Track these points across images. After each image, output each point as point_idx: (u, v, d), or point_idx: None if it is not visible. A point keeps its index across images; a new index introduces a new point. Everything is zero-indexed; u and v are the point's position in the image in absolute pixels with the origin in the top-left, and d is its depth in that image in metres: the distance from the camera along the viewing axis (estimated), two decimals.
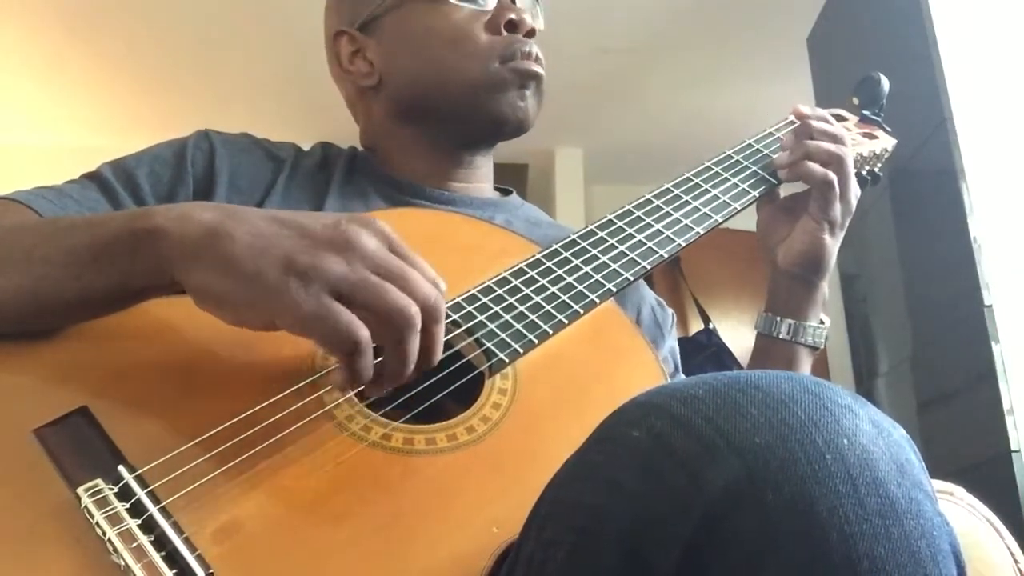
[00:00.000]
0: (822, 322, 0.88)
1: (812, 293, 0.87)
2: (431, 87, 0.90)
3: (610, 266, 0.73)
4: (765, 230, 0.89)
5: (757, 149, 0.89)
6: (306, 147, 0.97)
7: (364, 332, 0.51)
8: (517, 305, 0.68)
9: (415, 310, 0.53)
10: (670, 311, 1.01)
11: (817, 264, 0.85)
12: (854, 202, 0.85)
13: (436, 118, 0.92)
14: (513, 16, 0.90)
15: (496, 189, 1.02)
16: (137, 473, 0.49)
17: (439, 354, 0.56)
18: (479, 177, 0.98)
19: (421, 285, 0.54)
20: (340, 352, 0.52)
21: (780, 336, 0.87)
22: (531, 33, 0.91)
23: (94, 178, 0.82)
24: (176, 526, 0.47)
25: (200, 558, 0.46)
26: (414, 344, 0.53)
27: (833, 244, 0.85)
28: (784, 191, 0.90)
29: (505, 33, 0.90)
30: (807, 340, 0.87)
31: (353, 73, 0.94)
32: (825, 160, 0.83)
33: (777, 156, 0.87)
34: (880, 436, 0.42)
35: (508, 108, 0.90)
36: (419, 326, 0.53)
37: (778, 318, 0.87)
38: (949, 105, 1.79)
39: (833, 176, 0.82)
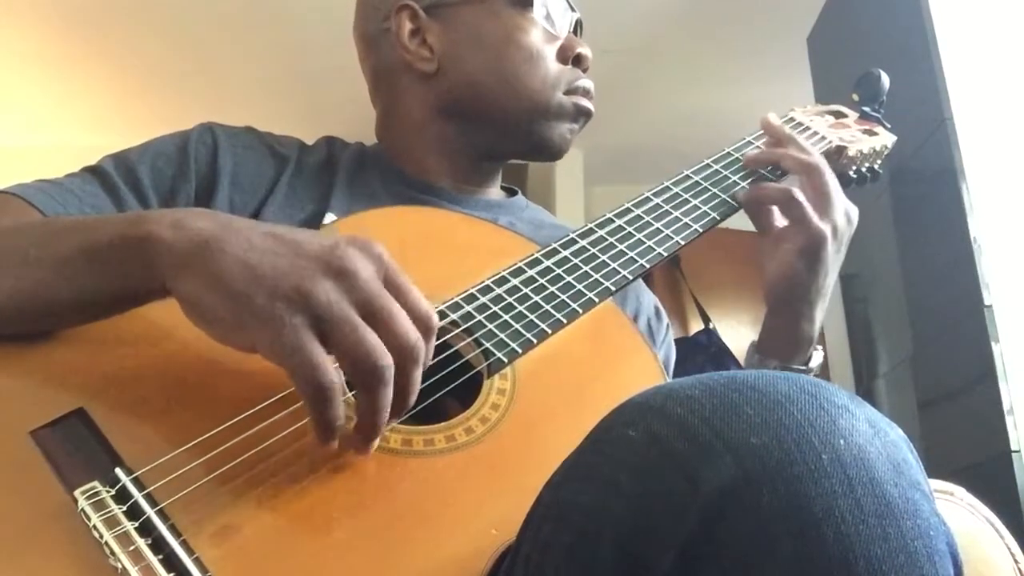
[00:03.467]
0: (808, 367, 0.82)
1: (790, 330, 0.80)
2: (493, 94, 0.90)
3: (609, 265, 0.73)
4: (762, 268, 0.83)
5: (756, 147, 0.88)
6: (309, 143, 0.96)
7: (331, 378, 0.49)
8: (516, 305, 0.68)
9: (387, 362, 0.50)
10: (665, 321, 1.00)
11: (788, 291, 0.79)
12: (833, 221, 0.78)
13: (482, 123, 0.92)
14: (582, 51, 0.92)
15: (502, 188, 1.02)
16: (134, 475, 0.49)
17: (413, 399, 0.53)
18: (490, 182, 0.98)
19: (403, 326, 0.51)
20: (305, 395, 0.50)
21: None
22: (586, 70, 0.93)
23: (96, 172, 0.81)
24: (174, 529, 0.47)
25: (198, 561, 0.46)
26: (385, 396, 0.51)
27: (806, 271, 0.78)
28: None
29: (570, 65, 0.91)
30: None
31: (412, 52, 0.92)
32: (794, 170, 0.81)
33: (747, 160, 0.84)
34: (877, 436, 0.42)
35: (558, 137, 0.92)
36: (389, 379, 0.50)
37: (759, 355, 0.83)
38: (949, 105, 1.79)
39: (792, 191, 0.78)
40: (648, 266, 0.75)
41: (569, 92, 0.91)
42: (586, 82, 0.92)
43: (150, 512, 0.47)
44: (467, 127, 0.92)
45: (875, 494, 0.39)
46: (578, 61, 0.92)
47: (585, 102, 0.92)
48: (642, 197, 0.81)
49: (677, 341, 1.04)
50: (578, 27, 0.97)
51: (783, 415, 0.41)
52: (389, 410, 0.51)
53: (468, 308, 0.66)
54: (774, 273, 0.80)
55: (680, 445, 0.41)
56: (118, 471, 0.49)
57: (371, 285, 0.52)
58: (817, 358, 0.84)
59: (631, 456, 0.43)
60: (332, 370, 0.49)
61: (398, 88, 0.95)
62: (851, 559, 0.38)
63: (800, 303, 0.80)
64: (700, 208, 0.80)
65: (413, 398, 0.54)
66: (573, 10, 0.95)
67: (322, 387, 0.49)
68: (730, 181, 0.84)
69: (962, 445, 1.73)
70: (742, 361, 0.90)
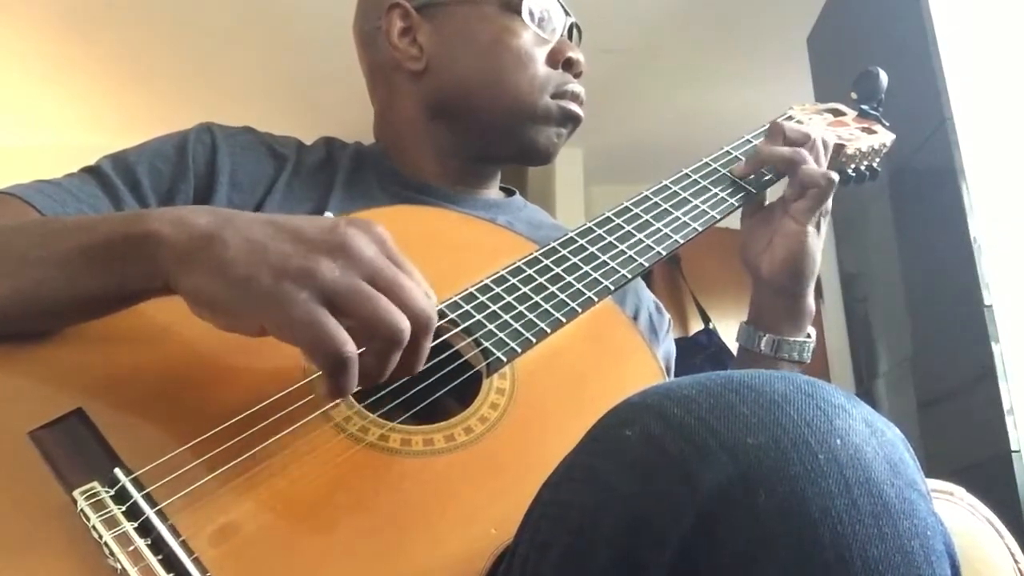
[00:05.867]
0: (808, 336, 0.86)
1: (796, 306, 0.84)
2: (479, 95, 0.90)
3: (608, 264, 0.73)
4: (747, 242, 0.87)
5: (755, 145, 0.88)
6: (308, 143, 0.97)
7: (350, 347, 0.49)
8: (515, 304, 0.67)
9: (405, 325, 0.51)
10: (667, 315, 1.01)
11: (800, 270, 0.82)
12: (829, 203, 0.83)
13: (470, 125, 0.92)
14: (573, 55, 0.92)
15: (500, 189, 1.02)
16: (133, 476, 0.49)
17: (421, 365, 0.55)
18: (486, 183, 0.98)
19: (414, 296, 0.52)
20: (325, 365, 0.50)
21: (761, 351, 0.84)
22: (580, 74, 0.93)
23: (94, 173, 0.81)
24: (173, 529, 0.47)
25: (197, 561, 0.46)
26: (396, 357, 0.52)
27: (816, 245, 0.82)
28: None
29: (560, 69, 0.91)
30: (791, 355, 0.84)
31: (401, 51, 0.92)
32: (806, 159, 0.81)
33: (764, 152, 0.84)
34: (873, 436, 0.42)
35: (544, 141, 0.91)
36: (406, 341, 0.51)
37: (760, 332, 0.85)
38: (949, 105, 1.79)
39: (836, 176, 0.80)
40: (647, 265, 0.74)
41: (557, 96, 0.90)
42: (575, 86, 0.92)
43: (149, 512, 0.47)
44: (456, 128, 0.92)
45: (872, 494, 0.39)
46: (569, 65, 0.92)
47: (573, 106, 0.91)
48: (641, 196, 0.81)
49: (677, 341, 1.04)
50: (573, 32, 0.97)
51: (780, 415, 0.41)
52: (391, 371, 0.53)
53: (467, 307, 0.66)
54: (789, 247, 0.81)
55: (677, 445, 0.41)
56: (117, 471, 0.49)
57: (376, 260, 0.52)
58: (813, 332, 0.87)
59: (628, 456, 0.43)
60: (350, 338, 0.50)
61: (391, 87, 0.95)
62: (848, 559, 0.38)
63: (807, 276, 0.83)
64: (699, 207, 0.80)
65: (419, 367, 0.54)
66: (568, 14, 0.95)
67: (343, 356, 0.49)
68: (729, 179, 0.84)
69: (962, 445, 1.73)
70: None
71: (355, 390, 0.53)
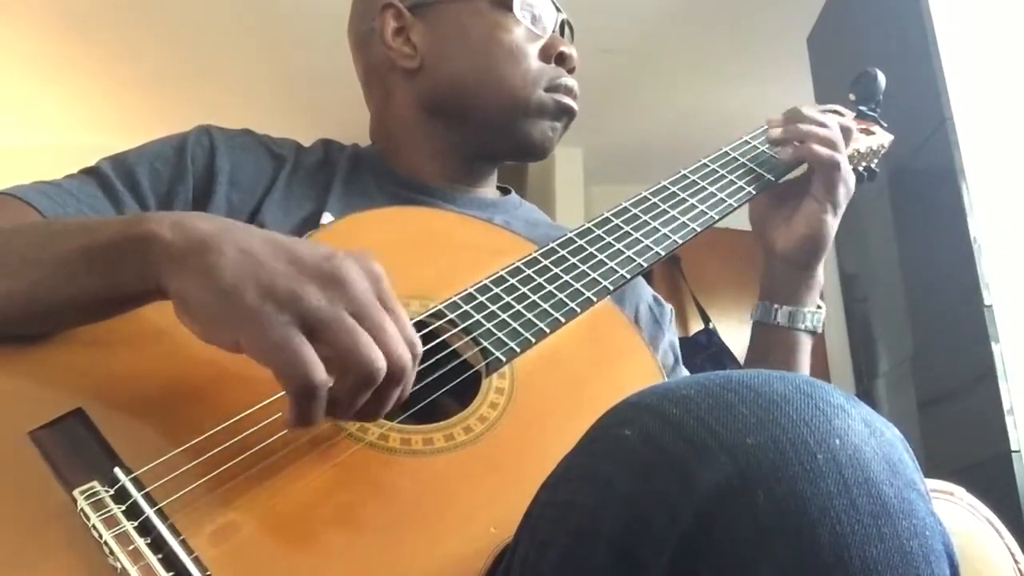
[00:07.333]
0: (819, 307, 0.89)
1: (810, 278, 0.88)
2: (474, 91, 0.90)
3: (607, 264, 0.73)
4: (761, 219, 0.90)
5: (754, 146, 0.89)
6: (306, 145, 0.97)
7: (320, 376, 0.49)
8: (514, 304, 0.68)
9: (382, 364, 0.50)
10: (668, 306, 1.02)
11: (817, 246, 0.86)
12: (852, 182, 0.87)
13: (465, 122, 0.92)
14: (565, 50, 0.93)
15: (496, 188, 1.02)
16: (133, 475, 0.49)
17: (382, 414, 0.54)
18: (484, 183, 0.99)
19: (396, 343, 0.51)
20: (292, 391, 0.49)
21: (779, 323, 0.87)
22: (573, 70, 0.94)
23: (94, 174, 0.82)
24: (173, 528, 0.47)
25: (197, 560, 0.46)
26: (366, 396, 0.51)
27: (834, 226, 0.86)
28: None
29: (553, 64, 0.92)
30: (806, 325, 0.87)
31: (395, 50, 0.93)
32: (827, 141, 0.85)
33: (772, 132, 0.88)
34: (872, 436, 0.42)
35: (539, 135, 0.92)
36: (380, 381, 0.50)
37: (776, 305, 0.88)
38: (949, 105, 1.79)
39: (839, 158, 0.84)
40: (646, 265, 0.75)
41: (550, 89, 0.91)
42: (568, 80, 0.92)
43: (149, 512, 0.47)
44: (452, 125, 0.93)
45: (871, 494, 0.39)
46: (561, 60, 0.93)
47: (567, 100, 0.92)
48: (640, 196, 0.81)
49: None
50: (565, 28, 0.97)
51: (779, 415, 0.41)
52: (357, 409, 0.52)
53: (466, 307, 0.66)
54: (810, 227, 0.85)
55: (675, 445, 0.41)
56: (117, 471, 0.49)
57: (365, 296, 0.52)
58: (823, 304, 0.90)
59: (626, 456, 0.43)
60: (323, 367, 0.49)
61: (386, 87, 0.96)
62: (846, 559, 0.38)
63: (822, 251, 0.87)
64: (697, 207, 0.80)
65: (380, 416, 0.54)
66: (559, 11, 0.95)
67: (312, 385, 0.49)
68: (727, 180, 0.84)
69: (962, 445, 1.73)
70: (740, 355, 0.92)
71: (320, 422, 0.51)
